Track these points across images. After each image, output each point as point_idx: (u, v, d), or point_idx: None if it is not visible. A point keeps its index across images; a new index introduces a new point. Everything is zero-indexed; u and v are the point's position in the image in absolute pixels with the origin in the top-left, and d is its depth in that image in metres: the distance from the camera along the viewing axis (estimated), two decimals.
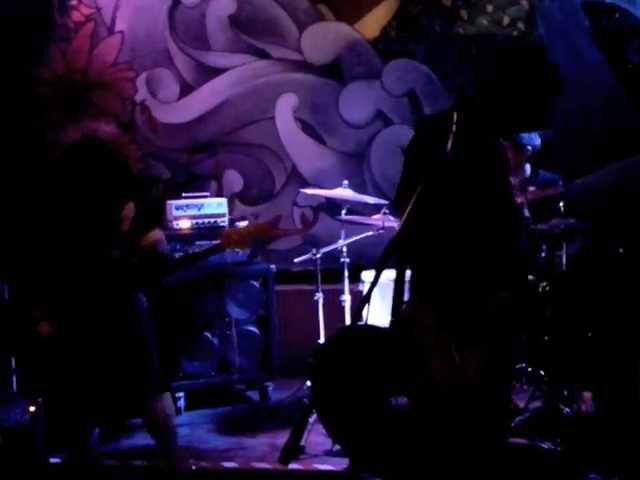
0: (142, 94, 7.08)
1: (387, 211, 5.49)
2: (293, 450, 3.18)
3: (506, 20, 6.72)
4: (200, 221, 5.98)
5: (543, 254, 5.22)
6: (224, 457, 5.09)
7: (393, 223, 5.32)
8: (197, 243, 5.86)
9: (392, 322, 3.44)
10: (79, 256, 4.31)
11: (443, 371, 3.31)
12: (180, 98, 7.09)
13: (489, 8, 6.73)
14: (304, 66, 6.97)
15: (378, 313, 4.27)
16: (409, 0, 6.82)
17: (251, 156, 7.06)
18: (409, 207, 3.05)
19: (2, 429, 4.45)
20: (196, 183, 6.99)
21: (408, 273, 3.48)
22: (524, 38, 6.65)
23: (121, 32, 7.05)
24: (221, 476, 4.92)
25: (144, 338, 4.47)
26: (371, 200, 5.83)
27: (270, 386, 6.10)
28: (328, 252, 5.76)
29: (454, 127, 3.14)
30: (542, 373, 5.21)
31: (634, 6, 6.48)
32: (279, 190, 7.07)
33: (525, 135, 5.33)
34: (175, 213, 5.94)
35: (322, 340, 5.67)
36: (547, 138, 5.55)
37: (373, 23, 6.88)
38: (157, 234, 4.61)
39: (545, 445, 4.74)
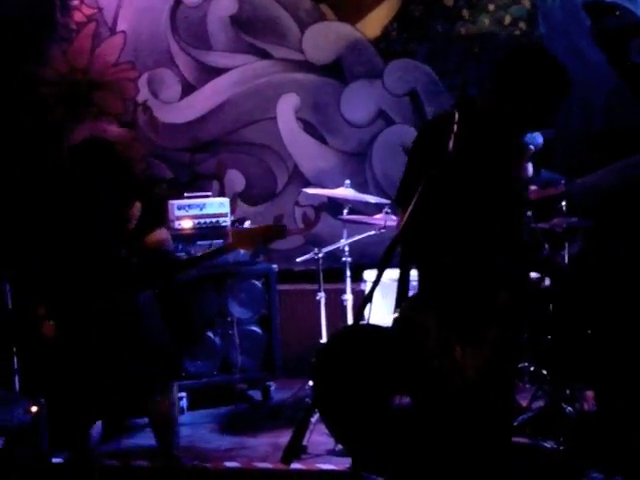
0: (144, 94, 7.09)
1: (389, 210, 5.50)
2: (295, 450, 3.19)
3: (508, 20, 6.72)
4: (202, 221, 5.98)
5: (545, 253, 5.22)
6: (226, 457, 5.09)
7: (395, 223, 5.32)
8: (199, 243, 5.87)
9: (394, 321, 3.45)
10: (86, 255, 4.32)
11: (444, 371, 3.31)
12: (182, 98, 7.10)
13: (491, 8, 6.73)
14: (305, 66, 6.97)
15: (380, 312, 4.28)
16: (410, 0, 6.82)
17: (253, 156, 7.06)
18: (410, 207, 3.05)
19: (4, 429, 4.45)
20: (198, 183, 7.00)
21: (412, 273, 3.49)
22: (526, 38, 6.64)
23: (123, 32, 7.05)
24: (223, 476, 4.92)
25: (148, 338, 4.49)
26: (373, 200, 5.83)
27: (272, 386, 6.10)
28: (330, 252, 5.76)
29: (455, 127, 3.14)
30: (544, 372, 5.21)
31: (635, 5, 6.48)
32: (281, 190, 7.07)
33: (527, 134, 5.33)
34: (177, 213, 5.94)
35: (324, 340, 5.68)
36: (547, 138, 5.55)
37: (375, 23, 6.88)
38: (163, 233, 4.63)
39: (547, 444, 4.74)
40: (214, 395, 6.03)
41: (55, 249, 4.38)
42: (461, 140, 3.12)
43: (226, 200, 6.17)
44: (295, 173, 7.04)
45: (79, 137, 4.45)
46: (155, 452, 4.77)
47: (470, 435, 3.32)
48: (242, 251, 5.76)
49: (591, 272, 5.40)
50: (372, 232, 5.65)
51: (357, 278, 5.70)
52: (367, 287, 5.49)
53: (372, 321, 3.28)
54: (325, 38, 6.94)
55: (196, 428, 5.63)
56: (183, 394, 5.86)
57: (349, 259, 5.71)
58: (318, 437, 5.01)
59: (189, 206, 5.99)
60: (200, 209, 6.00)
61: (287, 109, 7.01)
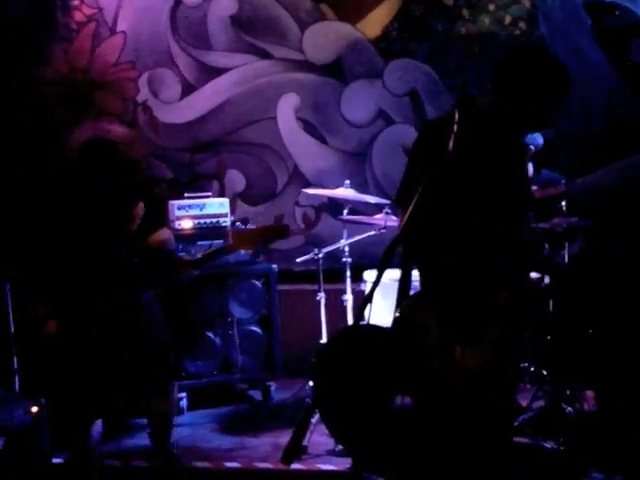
0: (144, 94, 7.09)
1: (389, 211, 5.50)
2: (295, 450, 3.17)
3: (508, 19, 6.71)
4: (202, 221, 5.97)
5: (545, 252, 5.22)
6: (226, 457, 5.09)
7: (395, 223, 5.32)
8: (199, 243, 5.87)
9: (394, 321, 3.45)
10: (89, 255, 4.32)
11: (444, 371, 3.31)
12: (182, 98, 7.10)
13: (491, 7, 6.73)
14: (306, 66, 6.97)
15: (380, 313, 4.28)
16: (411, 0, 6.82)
17: (253, 156, 7.06)
18: (410, 207, 3.05)
19: (4, 429, 4.45)
20: (198, 183, 7.00)
21: (414, 273, 3.49)
22: (526, 37, 6.64)
23: (123, 32, 7.06)
24: (224, 476, 4.92)
25: (149, 338, 4.49)
26: (373, 200, 5.83)
27: (272, 386, 6.10)
28: (330, 252, 5.76)
29: (455, 127, 3.14)
30: (545, 372, 5.21)
31: (635, 5, 6.48)
32: (281, 190, 7.07)
33: (527, 135, 5.33)
34: (177, 213, 5.94)
35: (324, 340, 5.68)
36: (547, 138, 5.55)
37: (375, 22, 6.88)
38: (165, 233, 4.64)
39: (548, 444, 4.74)
40: (214, 395, 6.03)
41: (58, 249, 4.38)
42: (461, 140, 3.12)
43: (226, 200, 6.17)
44: (295, 173, 7.03)
45: (82, 137, 4.46)
46: (152, 452, 4.77)
47: (470, 435, 3.32)
48: (242, 251, 5.78)
49: (591, 272, 5.41)
50: (372, 232, 5.65)
51: (357, 278, 5.69)
52: (367, 287, 5.48)
53: (372, 321, 3.28)
54: (325, 38, 6.94)
55: (196, 428, 5.63)
56: (183, 394, 5.87)
57: (349, 259, 5.71)
58: (318, 437, 5.01)
59: (189, 206, 5.99)
60: (200, 209, 6.00)
61: (287, 109, 7.01)
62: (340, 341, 4.90)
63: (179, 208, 5.96)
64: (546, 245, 5.25)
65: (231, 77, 7.04)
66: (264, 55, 7.00)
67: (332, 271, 5.86)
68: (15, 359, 5.34)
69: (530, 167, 5.53)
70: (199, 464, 4.99)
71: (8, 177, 6.69)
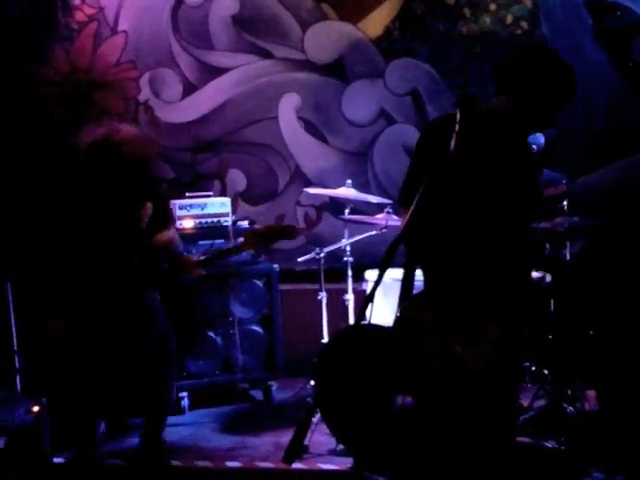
0: (145, 94, 7.09)
1: (390, 210, 5.50)
2: (297, 449, 3.17)
3: (509, 19, 6.71)
4: (203, 220, 5.97)
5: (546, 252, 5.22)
6: (228, 456, 5.09)
7: (396, 222, 5.32)
8: (200, 243, 5.87)
9: (395, 320, 3.45)
10: (96, 255, 4.32)
11: (444, 370, 3.31)
12: (183, 98, 7.10)
13: (492, 7, 6.72)
14: (307, 65, 6.96)
15: (382, 312, 4.28)
16: None
17: (254, 155, 7.06)
18: (412, 207, 3.06)
19: (6, 429, 4.45)
20: (200, 183, 7.00)
21: (418, 272, 3.49)
22: (527, 37, 6.64)
23: (124, 32, 7.06)
24: (225, 475, 4.92)
25: (154, 339, 4.49)
26: (374, 199, 5.83)
27: (274, 385, 6.10)
28: (331, 251, 5.76)
29: (457, 126, 3.14)
30: (546, 372, 5.21)
31: (637, 4, 6.47)
32: (282, 189, 7.07)
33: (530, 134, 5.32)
34: (178, 213, 5.93)
35: (325, 339, 5.68)
36: (548, 137, 5.54)
37: (376, 22, 6.88)
38: (171, 233, 4.64)
39: (549, 444, 4.74)
40: (216, 395, 6.03)
41: (62, 248, 4.39)
42: (463, 139, 3.12)
43: (227, 200, 6.17)
44: (296, 173, 7.03)
45: (93, 136, 4.46)
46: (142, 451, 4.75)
47: (472, 435, 3.32)
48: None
49: (593, 271, 5.40)
50: (373, 232, 5.65)
51: (358, 278, 5.69)
52: (368, 287, 5.48)
53: (374, 321, 3.28)
54: (327, 37, 6.93)
55: (198, 428, 5.63)
56: (184, 394, 5.87)
57: (350, 259, 5.71)
58: (320, 437, 5.01)
59: (190, 206, 5.99)
60: (201, 209, 6.00)
61: (288, 109, 7.01)
62: (341, 341, 4.90)
63: (180, 208, 5.96)
64: (547, 245, 5.24)
65: (232, 77, 7.04)
66: (265, 55, 7.00)
67: (333, 271, 5.86)
68: (16, 358, 5.34)
69: None
70: (200, 463, 4.99)
71: (9, 177, 6.69)
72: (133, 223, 4.44)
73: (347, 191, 5.72)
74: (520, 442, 4.64)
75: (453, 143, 3.11)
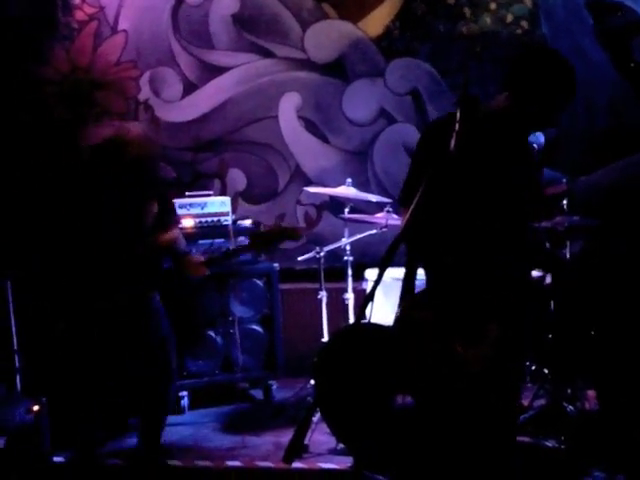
0: (145, 93, 7.10)
1: (390, 209, 5.49)
2: (297, 449, 3.17)
3: (510, 18, 6.71)
4: (203, 220, 5.97)
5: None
6: (228, 456, 5.09)
7: (396, 221, 5.32)
8: (200, 242, 5.87)
9: (394, 320, 3.44)
10: (97, 254, 4.31)
11: (444, 370, 3.30)
12: (183, 97, 7.10)
13: (493, 6, 6.72)
14: (307, 65, 6.96)
15: (382, 311, 4.28)
16: None
17: (255, 155, 7.06)
18: (412, 206, 3.05)
19: (6, 428, 4.45)
20: (200, 182, 7.00)
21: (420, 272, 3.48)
22: (528, 36, 6.63)
23: (124, 31, 7.06)
24: (225, 475, 4.92)
25: (153, 339, 4.49)
26: (374, 198, 5.83)
27: (274, 385, 6.10)
28: (331, 250, 5.76)
29: (457, 126, 3.14)
30: (546, 371, 5.21)
31: (638, 4, 6.47)
32: (282, 189, 7.07)
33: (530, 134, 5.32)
34: (178, 212, 5.90)
35: (326, 339, 5.68)
36: (549, 137, 5.54)
37: (377, 21, 6.88)
38: (175, 232, 4.64)
39: (549, 443, 4.74)
40: (216, 394, 6.03)
41: (65, 248, 4.39)
42: (463, 139, 3.12)
43: (227, 199, 6.16)
44: (297, 172, 7.03)
45: (102, 135, 4.45)
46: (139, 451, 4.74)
47: (472, 434, 3.32)
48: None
49: (593, 270, 5.40)
50: (374, 231, 5.65)
51: (358, 277, 5.69)
52: (368, 286, 5.48)
53: (374, 320, 3.28)
54: (327, 37, 6.93)
55: (198, 427, 5.63)
56: (185, 393, 5.87)
57: (350, 258, 5.71)
58: (320, 436, 5.01)
59: (190, 205, 5.98)
60: (201, 208, 6.00)
61: (289, 108, 7.01)
62: (341, 340, 4.90)
63: (180, 207, 5.94)
64: (547, 244, 5.24)
65: (233, 76, 7.04)
66: (266, 54, 7.00)
67: (333, 270, 5.86)
68: (17, 358, 5.34)
69: None
70: (200, 463, 4.99)
71: (9, 177, 6.69)
72: (137, 223, 4.43)
73: (347, 190, 5.72)
74: (520, 441, 4.64)
75: (453, 142, 3.11)
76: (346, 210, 5.72)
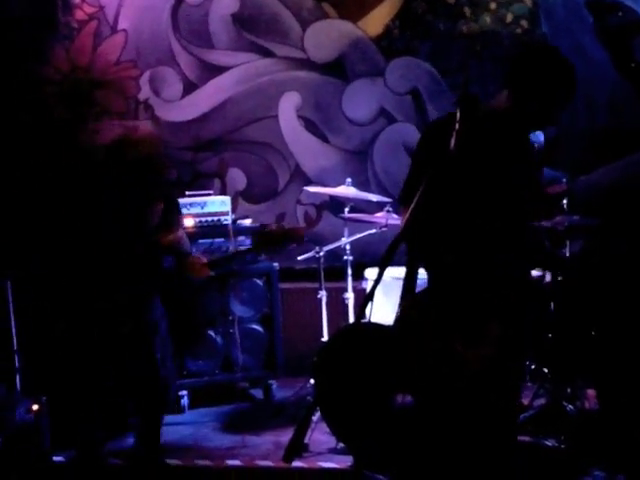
0: (145, 92, 7.09)
1: (390, 209, 5.49)
2: (297, 448, 3.17)
3: (509, 18, 6.71)
4: (203, 219, 5.97)
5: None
6: (228, 455, 5.09)
7: (396, 221, 5.32)
8: (200, 241, 5.86)
9: (395, 319, 3.44)
10: (98, 254, 4.31)
11: (444, 370, 3.30)
12: (183, 96, 7.10)
13: (492, 6, 6.72)
14: (307, 64, 6.96)
15: (381, 311, 4.28)
16: None
17: (254, 154, 7.06)
18: (412, 206, 3.05)
19: (5, 428, 4.45)
20: (200, 181, 7.00)
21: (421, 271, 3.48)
22: (528, 36, 6.63)
23: (124, 31, 7.06)
24: (225, 474, 4.92)
25: (157, 339, 4.49)
26: (374, 198, 5.83)
27: (274, 384, 6.10)
28: (331, 250, 5.76)
29: (457, 125, 3.14)
30: (546, 371, 5.20)
31: (638, 4, 6.47)
32: (282, 188, 7.06)
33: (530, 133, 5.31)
34: None
35: (325, 338, 5.68)
36: (549, 136, 5.54)
37: (376, 21, 6.87)
38: (179, 233, 4.64)
39: (549, 442, 4.74)
40: (216, 394, 6.03)
41: (66, 248, 4.38)
42: (463, 138, 3.12)
43: (227, 198, 6.16)
44: (297, 171, 7.03)
45: (111, 134, 4.44)
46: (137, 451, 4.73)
47: (472, 434, 3.32)
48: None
49: (593, 270, 5.39)
50: (373, 230, 5.65)
51: (358, 276, 5.69)
52: (368, 285, 5.48)
53: (373, 319, 3.28)
54: (327, 36, 6.93)
55: (198, 427, 5.63)
56: (185, 393, 5.87)
57: (350, 257, 5.71)
58: (320, 435, 5.01)
59: (190, 204, 5.98)
60: (201, 207, 6.00)
61: (289, 107, 7.01)
62: (341, 339, 4.90)
63: (180, 206, 5.94)
64: (546, 243, 5.23)
65: (232, 75, 7.04)
66: (266, 53, 7.00)
67: (333, 269, 5.85)
68: (16, 357, 5.34)
69: None
70: (200, 462, 4.99)
71: (9, 177, 6.69)
72: (140, 222, 4.42)
73: (347, 190, 5.72)
74: (520, 441, 4.64)
75: (453, 142, 3.11)
76: (346, 210, 5.72)
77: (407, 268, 3.42)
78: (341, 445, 4.87)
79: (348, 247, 5.70)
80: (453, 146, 3.10)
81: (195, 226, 5.93)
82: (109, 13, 7.07)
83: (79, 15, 7.06)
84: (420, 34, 6.81)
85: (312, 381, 5.40)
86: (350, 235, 5.72)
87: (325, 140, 6.99)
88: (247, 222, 6.20)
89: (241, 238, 5.96)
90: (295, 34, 6.95)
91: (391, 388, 3.99)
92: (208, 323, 5.94)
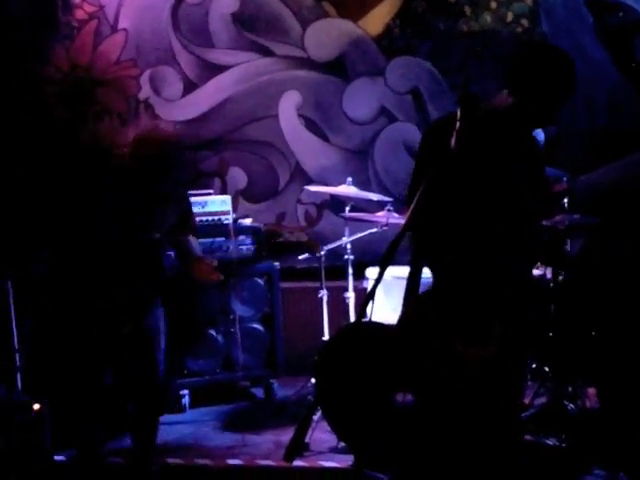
0: (146, 92, 7.10)
1: (391, 208, 5.49)
2: (298, 447, 3.17)
3: (510, 17, 6.71)
4: (204, 219, 5.96)
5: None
6: (229, 454, 5.09)
7: (397, 220, 5.32)
8: (201, 241, 5.84)
9: (398, 320, 3.44)
10: (106, 252, 4.29)
11: (445, 369, 3.30)
12: (184, 96, 7.10)
13: (493, 5, 6.72)
14: (308, 63, 6.96)
15: (382, 310, 4.28)
16: None
17: (255, 153, 7.06)
18: (412, 205, 3.06)
19: (6, 427, 4.45)
20: (200, 180, 6.99)
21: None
22: (528, 35, 6.63)
23: (124, 30, 7.06)
24: (225, 473, 4.92)
25: (157, 340, 4.49)
26: (375, 197, 5.83)
27: (275, 383, 6.10)
28: (332, 249, 5.76)
29: (458, 124, 3.14)
30: (547, 369, 5.21)
31: (638, 3, 6.47)
32: (283, 187, 7.06)
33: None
34: None
35: (326, 337, 5.68)
36: (549, 135, 5.54)
37: (377, 20, 6.88)
38: (190, 237, 4.63)
39: (550, 441, 4.74)
40: (216, 393, 6.03)
41: (66, 248, 4.38)
42: (464, 138, 3.12)
43: (228, 198, 6.16)
44: (297, 171, 7.03)
45: (134, 133, 4.42)
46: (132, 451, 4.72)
47: (473, 433, 3.32)
48: (244, 248, 5.79)
49: (593, 269, 5.40)
50: (374, 229, 5.64)
51: (359, 276, 5.69)
52: (369, 285, 5.48)
53: (374, 319, 3.28)
54: (327, 35, 6.93)
55: (198, 426, 5.63)
56: (185, 392, 5.88)
57: (351, 257, 5.71)
58: (321, 435, 5.00)
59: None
60: (202, 207, 5.99)
61: (289, 107, 7.01)
62: (342, 338, 4.90)
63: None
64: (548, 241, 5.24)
65: (233, 75, 7.04)
66: (266, 53, 7.00)
67: (334, 268, 5.85)
68: (17, 357, 5.34)
69: None
70: (201, 461, 4.99)
71: (9, 177, 6.69)
72: (144, 223, 4.41)
73: (348, 189, 5.72)
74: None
75: (454, 141, 3.11)
76: (347, 209, 5.72)
77: (411, 267, 3.42)
78: (342, 444, 4.87)
79: (349, 246, 5.70)
80: (454, 145, 3.10)
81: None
82: (109, 12, 7.07)
83: (79, 14, 7.06)
84: (420, 33, 6.81)
85: (313, 380, 5.40)
86: (351, 234, 5.72)
87: (326, 139, 6.99)
88: (248, 221, 6.19)
89: (242, 237, 5.96)
90: (295, 33, 6.95)
91: (392, 387, 3.98)
92: (209, 322, 5.94)
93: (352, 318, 5.67)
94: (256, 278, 6.05)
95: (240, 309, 5.97)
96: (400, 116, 6.88)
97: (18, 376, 5.32)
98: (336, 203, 6.61)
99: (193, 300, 5.84)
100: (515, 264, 3.39)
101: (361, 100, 6.91)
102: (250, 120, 7.03)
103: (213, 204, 6.03)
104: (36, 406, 4.55)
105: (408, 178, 3.52)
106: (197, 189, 6.27)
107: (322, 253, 5.69)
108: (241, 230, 6.01)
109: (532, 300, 3.98)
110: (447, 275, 3.42)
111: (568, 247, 5.30)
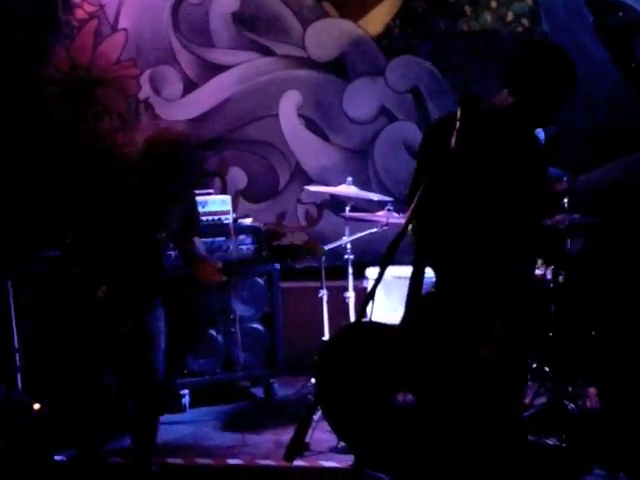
0: (146, 91, 7.10)
1: (391, 208, 5.49)
2: (298, 447, 3.16)
3: (510, 16, 6.71)
4: (204, 218, 5.94)
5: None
6: (229, 454, 5.09)
7: (397, 220, 5.32)
8: (202, 240, 5.86)
9: (400, 320, 3.44)
10: (107, 252, 4.29)
11: (446, 369, 3.30)
12: (184, 95, 7.11)
13: (493, 4, 6.72)
14: (308, 63, 6.96)
15: (382, 310, 4.28)
16: None
17: (255, 153, 7.06)
18: (412, 205, 3.05)
19: (7, 427, 4.45)
20: (200, 180, 6.99)
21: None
22: (528, 34, 6.63)
23: (125, 29, 7.06)
24: (226, 473, 4.92)
25: (157, 340, 4.49)
26: (375, 197, 5.83)
27: (275, 383, 6.10)
28: (332, 249, 5.76)
29: (458, 124, 3.13)
30: (547, 369, 5.20)
31: (638, 3, 6.47)
32: (283, 187, 7.07)
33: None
34: None
35: (326, 337, 5.67)
36: (549, 135, 5.54)
37: (377, 20, 6.88)
38: (195, 239, 4.64)
39: (550, 441, 4.73)
40: (217, 393, 6.03)
41: (67, 248, 4.38)
42: (464, 137, 3.12)
43: (228, 197, 6.15)
44: (297, 170, 7.04)
45: (145, 134, 4.41)
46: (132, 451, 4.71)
47: (473, 432, 3.32)
48: (244, 248, 5.79)
49: (593, 269, 5.40)
50: (374, 229, 5.64)
51: (359, 275, 5.69)
52: (369, 284, 5.48)
53: (374, 318, 3.27)
54: (327, 35, 6.94)
55: (199, 425, 5.63)
56: (186, 391, 5.88)
57: (351, 256, 5.71)
58: (321, 434, 5.00)
59: None
60: (202, 206, 5.95)
61: (289, 106, 7.01)
62: (342, 338, 4.90)
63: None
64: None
65: (233, 74, 7.04)
66: (266, 52, 7.00)
67: (334, 268, 5.85)
68: (17, 357, 5.34)
69: None
70: (201, 461, 4.99)
71: (9, 177, 6.69)
72: (146, 223, 4.40)
73: (348, 189, 5.72)
74: None
75: (454, 141, 3.11)
76: (347, 208, 5.72)
77: (414, 267, 3.42)
78: (342, 444, 4.87)
79: (349, 246, 5.69)
80: (454, 145, 3.10)
81: None
82: (109, 12, 7.08)
83: (79, 14, 7.06)
84: (420, 33, 6.82)
85: (313, 380, 5.40)
86: (351, 234, 5.72)
87: (326, 139, 6.99)
88: (248, 221, 6.19)
89: (242, 237, 5.96)
90: (296, 33, 6.96)
91: (392, 387, 3.98)
92: (209, 322, 5.94)
93: (352, 318, 5.67)
94: (256, 278, 6.05)
95: (240, 309, 5.97)
96: (400, 115, 6.88)
97: (18, 376, 5.33)
98: (336, 203, 6.62)
99: (193, 300, 5.84)
100: (515, 264, 3.39)
101: (361, 100, 6.92)
102: (250, 120, 7.04)
103: (213, 204, 6.02)
104: (36, 406, 4.56)
105: (409, 178, 3.52)
106: (197, 189, 6.28)
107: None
108: (241, 230, 6.01)
109: (532, 300, 3.97)
110: (448, 275, 3.42)
111: (568, 247, 5.29)
